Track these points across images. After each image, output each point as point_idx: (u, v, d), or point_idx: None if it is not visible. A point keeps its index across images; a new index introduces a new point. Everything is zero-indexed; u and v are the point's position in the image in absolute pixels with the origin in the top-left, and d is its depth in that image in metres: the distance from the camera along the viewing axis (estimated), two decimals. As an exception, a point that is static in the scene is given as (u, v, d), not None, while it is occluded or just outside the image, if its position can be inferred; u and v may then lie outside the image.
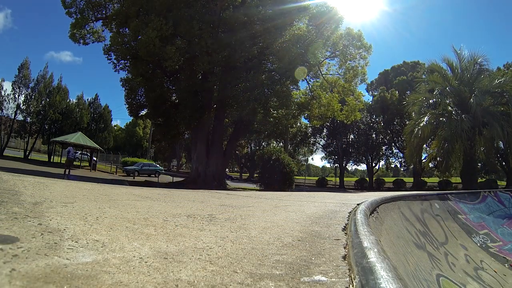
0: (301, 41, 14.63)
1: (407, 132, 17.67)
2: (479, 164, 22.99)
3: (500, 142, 16.77)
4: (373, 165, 37.19)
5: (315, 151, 41.67)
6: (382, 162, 39.40)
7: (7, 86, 31.79)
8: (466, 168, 15.98)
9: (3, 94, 24.39)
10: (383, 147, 36.36)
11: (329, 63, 19.67)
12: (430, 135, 16.75)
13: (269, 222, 1.87)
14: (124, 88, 16.66)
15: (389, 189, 28.39)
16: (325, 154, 39.51)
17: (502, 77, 16.27)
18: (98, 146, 26.38)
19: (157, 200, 2.61)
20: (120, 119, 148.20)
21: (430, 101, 17.46)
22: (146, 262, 0.92)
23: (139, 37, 13.22)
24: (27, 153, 25.60)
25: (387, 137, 34.94)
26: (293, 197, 4.25)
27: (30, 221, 1.25)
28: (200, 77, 15.32)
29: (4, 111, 24.67)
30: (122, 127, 55.30)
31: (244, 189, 13.75)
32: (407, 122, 21.87)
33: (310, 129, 37.75)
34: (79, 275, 0.75)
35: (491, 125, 14.51)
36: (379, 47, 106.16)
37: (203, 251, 1.11)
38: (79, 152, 29.36)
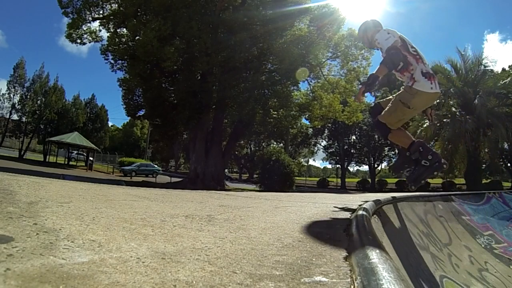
0: (302, 42, 14.68)
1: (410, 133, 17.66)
2: (484, 165, 22.92)
3: (505, 143, 16.74)
4: (376, 166, 37.15)
5: (316, 153, 41.58)
6: (384, 163, 39.35)
7: (2, 85, 31.74)
8: (470, 169, 15.87)
9: (-2, 94, 24.28)
10: (386, 148, 36.28)
11: (330, 63, 19.59)
12: (433, 136, 16.71)
13: (269, 223, 1.86)
14: (121, 89, 16.61)
15: (391, 190, 27.77)
16: (326, 155, 39.49)
17: (507, 78, 16.15)
18: (95, 146, 26.24)
19: (154, 201, 2.58)
20: (118, 119, 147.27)
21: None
22: (143, 262, 0.90)
23: (137, 38, 13.19)
24: (22, 152, 25.40)
25: (390, 138, 34.82)
26: (293, 198, 4.22)
27: (25, 220, 1.23)
28: (199, 77, 15.30)
29: (-2, 110, 24.54)
30: (119, 127, 54.99)
31: (244, 190, 13.72)
32: (410, 123, 21.86)
33: (311, 130, 37.67)
34: (75, 275, 0.73)
35: (496, 126, 14.47)
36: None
37: (201, 251, 1.10)
38: (76, 152, 29.17)
